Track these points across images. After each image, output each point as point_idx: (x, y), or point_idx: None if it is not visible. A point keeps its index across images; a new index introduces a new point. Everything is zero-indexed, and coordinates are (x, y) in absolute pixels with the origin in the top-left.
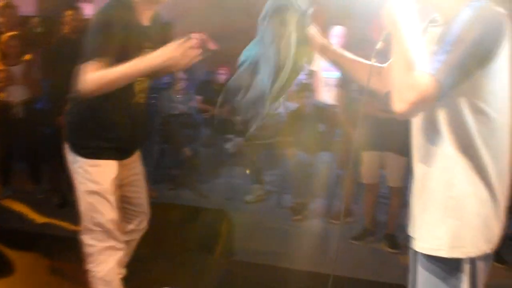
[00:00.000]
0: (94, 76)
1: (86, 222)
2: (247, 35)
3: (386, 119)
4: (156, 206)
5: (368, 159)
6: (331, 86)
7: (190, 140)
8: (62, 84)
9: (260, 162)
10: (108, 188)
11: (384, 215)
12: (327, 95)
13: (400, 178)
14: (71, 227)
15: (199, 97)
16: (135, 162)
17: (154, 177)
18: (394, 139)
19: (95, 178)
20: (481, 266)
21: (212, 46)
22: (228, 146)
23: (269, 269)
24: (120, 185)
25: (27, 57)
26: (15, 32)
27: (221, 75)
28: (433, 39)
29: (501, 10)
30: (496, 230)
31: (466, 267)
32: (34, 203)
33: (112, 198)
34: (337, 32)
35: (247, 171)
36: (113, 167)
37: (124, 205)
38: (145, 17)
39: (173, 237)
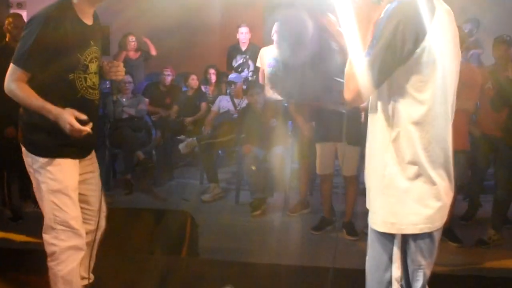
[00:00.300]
0: (11, 85)
1: (49, 221)
2: (184, 34)
3: (338, 111)
4: (117, 211)
5: (322, 151)
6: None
7: (142, 143)
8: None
9: (214, 160)
10: (70, 186)
11: (340, 205)
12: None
13: (354, 167)
14: (26, 239)
15: (146, 100)
16: (91, 159)
17: (108, 183)
18: (346, 130)
19: (57, 177)
20: (418, 244)
21: (153, 51)
22: (181, 147)
23: (234, 266)
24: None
25: None
26: None
27: (167, 76)
28: None
29: (424, 3)
30: (435, 210)
31: (397, 243)
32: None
33: (74, 195)
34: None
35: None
36: (74, 164)
37: (81, 204)
38: (87, 17)
39: (138, 241)
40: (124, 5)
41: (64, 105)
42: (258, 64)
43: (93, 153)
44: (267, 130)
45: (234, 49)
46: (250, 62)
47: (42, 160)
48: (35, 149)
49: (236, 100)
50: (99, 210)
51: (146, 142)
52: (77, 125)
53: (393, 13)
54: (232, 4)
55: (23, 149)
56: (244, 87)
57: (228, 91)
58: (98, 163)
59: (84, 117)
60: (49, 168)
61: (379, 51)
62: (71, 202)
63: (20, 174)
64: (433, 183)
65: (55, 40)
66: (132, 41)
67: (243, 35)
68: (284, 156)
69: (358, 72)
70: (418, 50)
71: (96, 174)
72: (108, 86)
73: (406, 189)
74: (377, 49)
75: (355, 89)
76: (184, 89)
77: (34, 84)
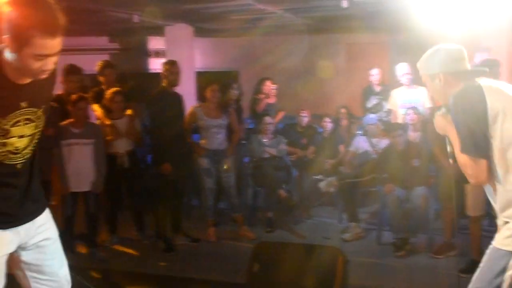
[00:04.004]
0: None
1: None
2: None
3: None
4: (266, 245)
5: (473, 191)
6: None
7: (283, 182)
8: (165, 134)
9: (354, 200)
10: None
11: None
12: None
13: None
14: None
15: (284, 140)
16: (45, 225)
17: (250, 219)
18: None
19: None
20: None
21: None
22: (321, 185)
23: None
24: (24, 250)
25: (129, 111)
26: (118, 89)
27: (304, 118)
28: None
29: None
30: None
31: None
32: (140, 249)
33: None
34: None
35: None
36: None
37: (34, 274)
38: (21, 75)
39: (290, 275)
40: (253, 50)
41: None
42: (389, 106)
43: (47, 218)
44: (409, 170)
45: (368, 90)
46: (384, 103)
47: None
48: None
49: (373, 140)
50: (60, 282)
51: (286, 181)
52: None
53: (456, 101)
54: (357, 45)
55: None
56: (381, 127)
57: (362, 131)
58: (241, 201)
59: None
60: None
61: (465, 132)
62: None
63: (173, 208)
64: None
65: None
66: (269, 86)
67: (374, 77)
68: (427, 196)
69: (463, 160)
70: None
71: (54, 241)
72: (250, 124)
73: None
74: (463, 133)
75: (470, 173)
76: (320, 130)
77: None
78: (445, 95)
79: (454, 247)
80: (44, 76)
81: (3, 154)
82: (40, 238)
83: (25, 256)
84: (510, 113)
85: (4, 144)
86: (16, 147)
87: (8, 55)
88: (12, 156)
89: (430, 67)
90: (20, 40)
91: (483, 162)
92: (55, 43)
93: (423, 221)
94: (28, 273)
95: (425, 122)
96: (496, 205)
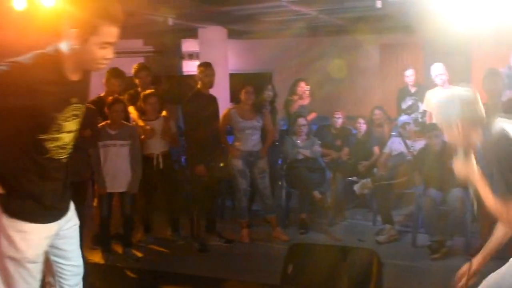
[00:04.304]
0: None
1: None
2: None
3: None
4: (301, 246)
5: None
6: None
7: (317, 184)
8: (199, 135)
9: (389, 202)
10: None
11: None
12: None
13: None
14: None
15: (318, 142)
16: (71, 211)
17: (284, 221)
18: None
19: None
20: None
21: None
22: (356, 187)
23: None
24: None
25: (164, 112)
26: (152, 90)
27: (338, 119)
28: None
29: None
30: None
31: None
32: (175, 249)
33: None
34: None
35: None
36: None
37: (57, 258)
38: (75, 72)
39: (325, 276)
40: (287, 51)
41: (25, 165)
42: (425, 107)
43: (71, 205)
44: (446, 172)
45: (403, 91)
46: (419, 103)
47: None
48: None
49: (408, 142)
50: (78, 266)
51: (321, 182)
52: None
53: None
54: (391, 46)
55: None
56: (416, 128)
57: (397, 133)
58: (275, 203)
59: None
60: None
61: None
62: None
63: (207, 209)
64: None
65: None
66: (303, 87)
67: (409, 77)
68: (464, 198)
69: (497, 205)
70: None
71: (77, 226)
72: (284, 126)
73: None
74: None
75: (506, 218)
76: (354, 131)
77: None
78: (463, 140)
79: None
80: (104, 66)
81: (53, 149)
82: (69, 225)
83: (53, 241)
84: None
85: (57, 139)
86: (64, 142)
87: (70, 49)
88: (60, 151)
89: (447, 115)
90: (89, 29)
91: None
92: (117, 31)
93: (460, 223)
94: (53, 258)
95: None
96: None
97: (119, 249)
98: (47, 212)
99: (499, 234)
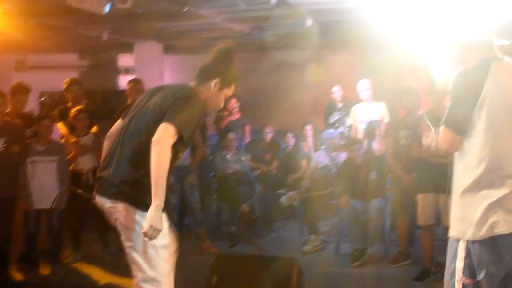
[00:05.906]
0: (167, 145)
1: (155, 274)
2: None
3: (438, 162)
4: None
5: (424, 202)
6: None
7: (246, 197)
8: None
9: (314, 213)
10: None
11: (442, 256)
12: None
13: None
14: None
15: (249, 155)
16: None
17: (214, 234)
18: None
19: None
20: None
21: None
22: (283, 199)
23: None
24: None
25: (94, 128)
26: (82, 106)
27: (268, 133)
28: None
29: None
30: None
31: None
32: (104, 265)
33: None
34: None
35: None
36: None
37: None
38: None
39: (247, 286)
40: None
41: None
42: (351, 122)
43: None
44: (367, 183)
45: (330, 106)
46: (346, 118)
47: None
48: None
49: (333, 155)
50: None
51: (250, 195)
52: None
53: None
54: (323, 63)
55: (130, 208)
56: (341, 142)
57: (324, 146)
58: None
59: None
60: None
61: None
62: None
63: None
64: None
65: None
66: (233, 103)
67: (336, 93)
68: (383, 207)
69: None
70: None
71: None
72: (214, 142)
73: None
74: (451, 106)
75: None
76: (283, 145)
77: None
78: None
79: (409, 256)
80: (215, 110)
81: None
82: None
83: None
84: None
85: None
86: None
87: (208, 92)
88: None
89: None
90: (228, 84)
91: (457, 138)
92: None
93: (379, 232)
94: None
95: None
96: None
97: (46, 266)
98: None
99: None
